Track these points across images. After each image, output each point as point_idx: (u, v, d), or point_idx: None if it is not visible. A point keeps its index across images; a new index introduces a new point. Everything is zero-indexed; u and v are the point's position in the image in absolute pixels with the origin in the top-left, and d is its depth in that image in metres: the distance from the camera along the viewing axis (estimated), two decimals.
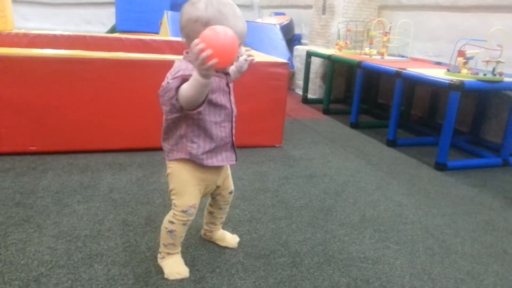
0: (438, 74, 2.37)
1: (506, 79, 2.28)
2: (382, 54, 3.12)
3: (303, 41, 5.17)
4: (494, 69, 2.25)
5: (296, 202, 1.77)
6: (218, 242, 1.40)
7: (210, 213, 1.37)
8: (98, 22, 6.64)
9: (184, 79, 1.02)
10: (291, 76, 4.52)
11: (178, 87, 1.02)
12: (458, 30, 3.01)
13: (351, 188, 1.97)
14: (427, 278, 1.30)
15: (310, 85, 4.09)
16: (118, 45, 3.17)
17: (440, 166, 2.27)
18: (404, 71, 2.51)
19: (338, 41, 3.62)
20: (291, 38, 5.14)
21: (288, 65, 2.44)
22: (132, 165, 2.06)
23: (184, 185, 1.16)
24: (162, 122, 1.15)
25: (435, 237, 1.55)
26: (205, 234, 1.42)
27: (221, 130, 1.13)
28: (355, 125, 3.10)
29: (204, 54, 0.91)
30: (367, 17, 3.82)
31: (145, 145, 2.25)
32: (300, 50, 4.32)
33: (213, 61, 0.92)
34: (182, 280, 1.20)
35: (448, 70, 2.34)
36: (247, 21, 1.09)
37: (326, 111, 3.54)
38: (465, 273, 1.34)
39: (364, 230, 1.58)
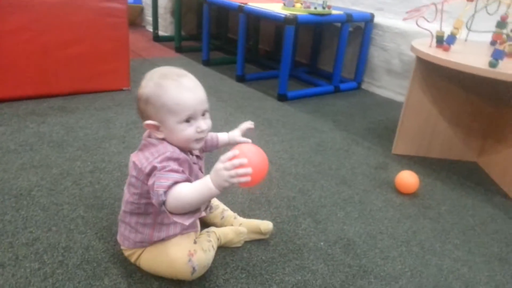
0: (277, 8, 2.46)
1: (334, 12, 2.49)
2: None
3: None
4: (324, 2, 2.43)
5: None
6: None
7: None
8: None
9: (177, 180, 0.89)
10: (139, 12, 4.23)
11: (170, 187, 0.87)
12: None
13: None
14: (264, 201, 1.44)
15: (161, 22, 3.90)
16: None
17: (282, 97, 2.45)
18: (245, 5, 2.55)
19: None
20: None
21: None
22: None
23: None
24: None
25: (273, 163, 1.71)
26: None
27: None
28: (207, 62, 3.10)
29: (243, 170, 0.82)
30: None
31: None
32: None
33: (246, 179, 0.83)
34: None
35: (284, 5, 2.45)
36: None
37: (178, 49, 3.45)
38: (297, 191, 1.52)
39: (209, 166, 1.65)
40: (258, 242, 1.22)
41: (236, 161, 0.83)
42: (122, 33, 2.30)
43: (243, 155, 0.85)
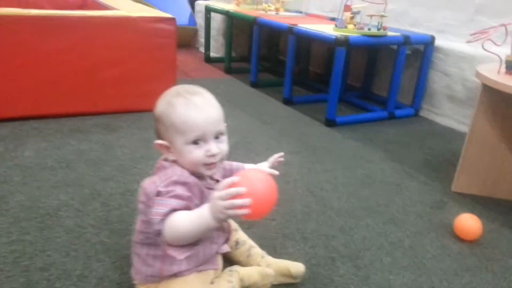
0: (328, 29, 2.35)
1: (389, 33, 2.33)
2: (277, 10, 3.05)
3: None
4: (379, 24, 2.28)
5: None
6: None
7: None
8: None
9: (174, 207, 0.81)
10: (194, 33, 4.31)
11: (166, 215, 0.81)
12: None
13: (241, 150, 1.91)
14: (300, 237, 1.29)
15: (213, 43, 3.92)
16: None
17: (329, 122, 2.30)
18: (295, 27, 2.46)
19: None
20: None
21: (174, 21, 2.26)
22: None
23: None
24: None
25: (314, 194, 1.56)
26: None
27: None
28: (255, 84, 3.03)
29: (240, 202, 0.74)
30: None
31: (10, 115, 1.98)
32: (201, 5, 4.09)
33: (243, 212, 0.74)
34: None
35: (336, 26, 2.33)
36: None
37: (228, 70, 3.43)
38: (338, 228, 1.36)
39: None
40: (287, 287, 1.08)
41: (232, 190, 0.72)
42: (170, 54, 2.29)
43: (244, 183, 0.73)
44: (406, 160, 1.93)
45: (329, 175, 1.73)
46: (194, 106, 0.86)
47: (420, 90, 2.55)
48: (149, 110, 2.23)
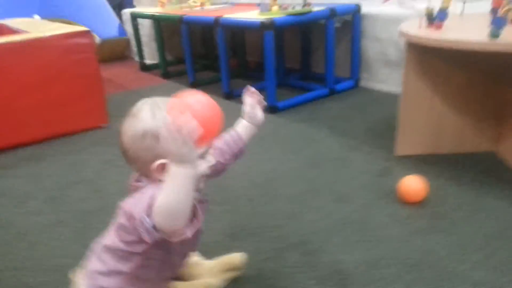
0: (253, 15, 2.28)
1: (315, 9, 2.29)
2: (202, 4, 2.96)
3: (135, 3, 4.74)
4: (303, 1, 2.23)
5: (112, 188, 1.56)
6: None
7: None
8: None
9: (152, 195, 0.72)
10: (126, 44, 4.14)
11: (149, 206, 0.72)
12: None
13: None
14: (245, 235, 1.22)
15: (147, 50, 3.78)
16: None
17: (272, 109, 2.23)
18: (221, 18, 2.38)
19: None
20: (121, 3, 4.67)
21: (90, 33, 2.12)
22: None
23: None
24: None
25: (260, 186, 1.50)
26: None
27: None
28: (194, 84, 2.94)
29: (186, 129, 0.65)
30: None
31: None
32: (127, 13, 3.92)
33: (196, 132, 0.66)
34: None
35: (260, 10, 2.27)
36: None
37: (166, 75, 3.31)
38: (285, 217, 1.30)
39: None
40: None
41: (173, 130, 0.65)
42: (92, 69, 2.16)
43: (181, 107, 0.71)
44: (350, 133, 1.89)
45: (275, 163, 1.67)
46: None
47: (356, 60, 2.54)
48: (78, 131, 2.13)
